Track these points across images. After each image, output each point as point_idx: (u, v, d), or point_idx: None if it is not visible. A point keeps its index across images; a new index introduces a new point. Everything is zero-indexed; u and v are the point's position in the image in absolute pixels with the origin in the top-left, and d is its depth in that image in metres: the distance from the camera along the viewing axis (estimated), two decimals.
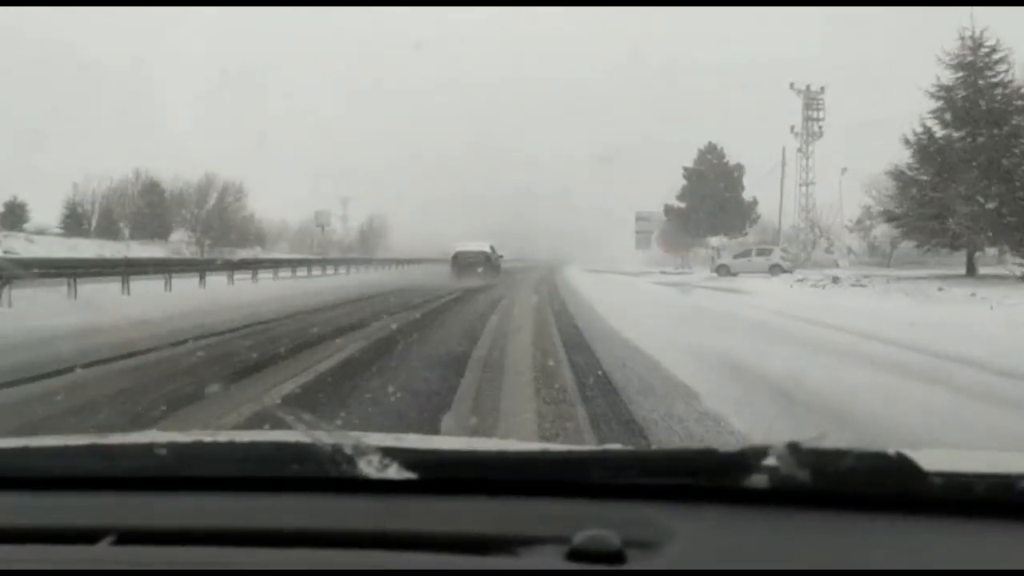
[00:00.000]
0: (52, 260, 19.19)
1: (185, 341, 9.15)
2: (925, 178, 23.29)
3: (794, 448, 1.13)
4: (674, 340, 9.78)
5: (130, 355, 7.89)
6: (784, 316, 13.18)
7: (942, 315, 12.91)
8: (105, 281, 17.82)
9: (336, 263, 35.38)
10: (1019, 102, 22.34)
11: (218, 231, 51.87)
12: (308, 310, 14.24)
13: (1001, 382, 6.54)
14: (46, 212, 48.38)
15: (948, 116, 23.00)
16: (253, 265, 25.49)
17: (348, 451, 1.20)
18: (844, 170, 46.70)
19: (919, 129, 24.25)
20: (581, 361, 7.89)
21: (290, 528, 1.15)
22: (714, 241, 48.09)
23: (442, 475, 1.25)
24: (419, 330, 11.06)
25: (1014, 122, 22.14)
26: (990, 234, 21.80)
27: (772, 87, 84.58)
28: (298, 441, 1.29)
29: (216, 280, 22.43)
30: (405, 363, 7.73)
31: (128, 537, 1.13)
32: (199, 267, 22.44)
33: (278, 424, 1.70)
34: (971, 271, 24.51)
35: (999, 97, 22.54)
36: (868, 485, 1.15)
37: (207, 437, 1.43)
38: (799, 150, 47.64)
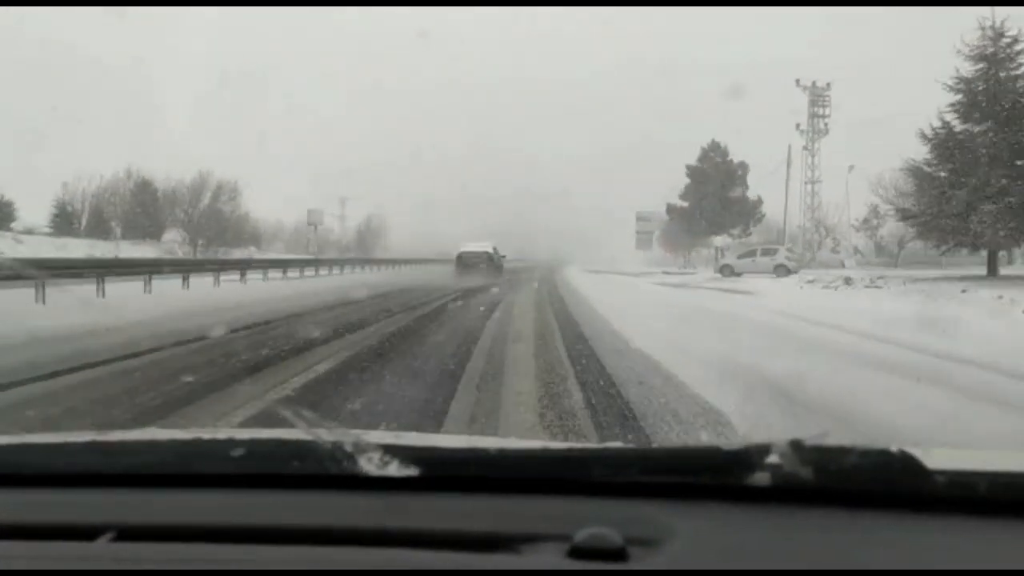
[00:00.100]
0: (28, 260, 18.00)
1: (107, 362, 7.70)
2: (943, 174, 22.13)
3: (797, 446, 1.11)
4: (693, 350, 8.69)
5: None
6: (807, 322, 12.05)
7: (980, 321, 11.77)
8: (83, 283, 16.68)
9: (330, 263, 34.24)
10: None
11: (212, 231, 50.80)
12: (284, 316, 13.01)
13: None
14: (39, 211, 47.50)
15: (969, 109, 21.81)
16: (241, 265, 24.25)
17: (348, 448, 1.19)
18: (851, 168, 45.68)
19: (936, 123, 23.16)
20: (591, 378, 6.82)
21: (290, 525, 1.14)
22: (718, 241, 46.92)
23: (443, 473, 1.23)
24: (406, 340, 9.93)
25: None
26: (1014, 233, 20.62)
27: (773, 86, 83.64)
28: (298, 438, 1.28)
29: (201, 281, 21.31)
30: (379, 382, 6.68)
31: (127, 534, 1.12)
32: (184, 268, 21.17)
33: (279, 421, 1.66)
34: (992, 271, 23.38)
35: (1023, 89, 21.40)
36: (871, 483, 1.14)
37: (207, 434, 1.40)
38: (805, 147, 46.63)
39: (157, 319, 11.84)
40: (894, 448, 1.14)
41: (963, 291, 18.22)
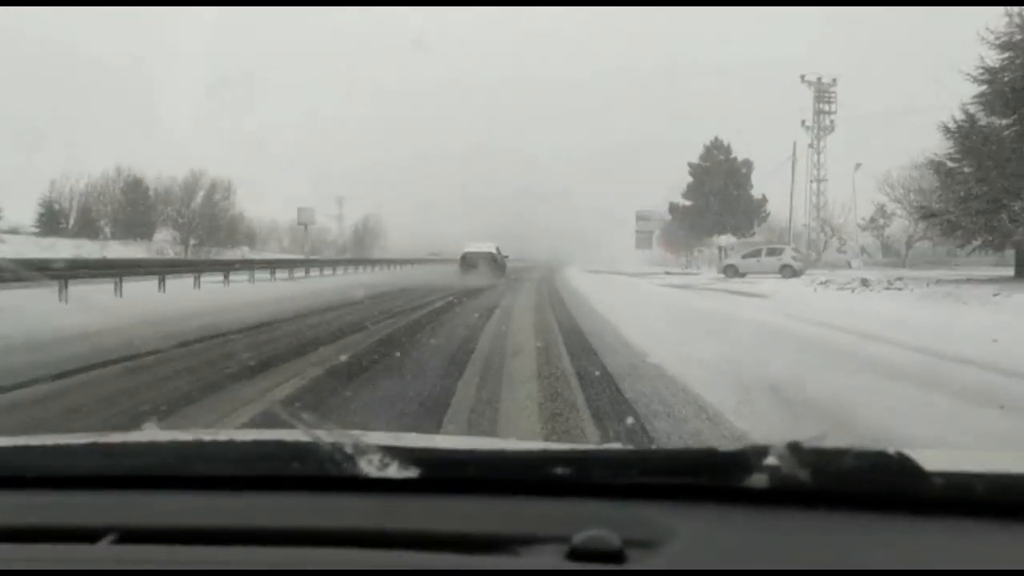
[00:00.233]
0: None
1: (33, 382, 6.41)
2: (968, 170, 20.70)
3: (795, 447, 1.11)
4: (719, 367, 7.27)
5: None
6: (848, 333, 10.58)
7: None
8: (42, 287, 15.22)
9: (322, 264, 32.79)
10: None
11: (205, 230, 49.41)
12: (250, 326, 11.52)
13: None
14: (27, 210, 46.08)
15: (994, 101, 20.35)
16: (224, 267, 22.76)
17: (348, 450, 1.18)
18: (858, 165, 44.28)
19: (959, 116, 21.70)
20: (605, 406, 5.49)
21: (290, 527, 1.14)
22: (722, 240, 45.43)
23: (442, 474, 1.23)
24: (387, 354, 8.49)
25: None
26: None
27: (775, 85, 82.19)
28: (298, 440, 1.28)
29: (182, 284, 19.85)
30: (349, 405, 5.34)
31: (129, 536, 1.12)
32: (160, 269, 19.67)
33: (279, 423, 1.74)
34: (1021, 272, 21.96)
35: None
36: (869, 485, 1.14)
37: (207, 436, 1.40)
38: (810, 145, 45.19)
39: (83, 332, 10.27)
40: (891, 450, 1.13)
41: (995, 295, 16.83)
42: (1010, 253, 24.39)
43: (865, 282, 22.92)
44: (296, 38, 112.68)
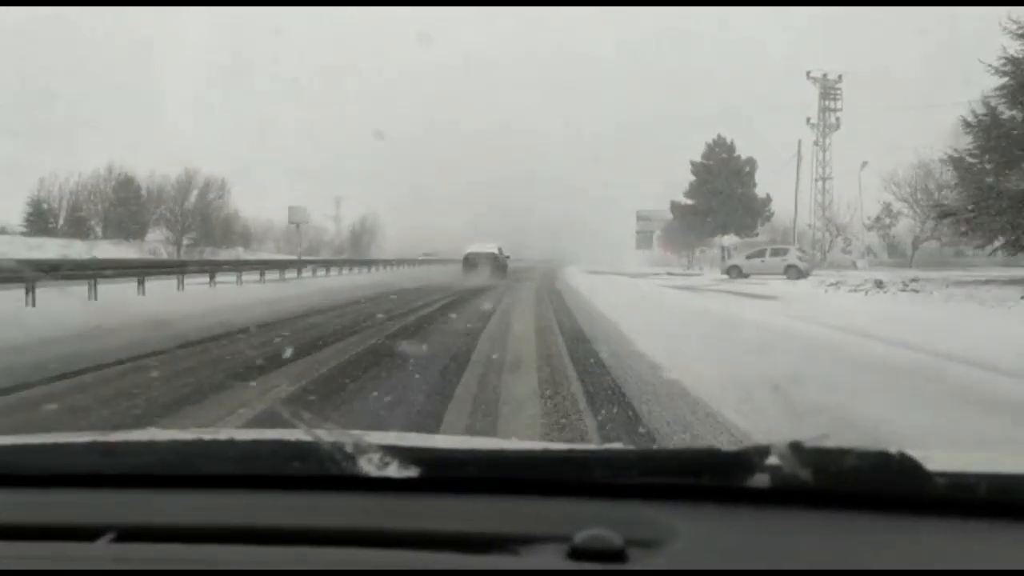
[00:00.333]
0: None
1: None
2: (989, 166, 19.58)
3: (796, 447, 1.11)
4: (748, 384, 6.10)
5: None
6: (884, 343, 9.44)
7: None
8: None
9: (315, 265, 31.63)
10: None
11: (199, 230, 48.31)
12: (220, 334, 10.37)
13: None
14: (16, 210, 44.98)
15: (1018, 93, 19.20)
16: (213, 267, 21.62)
17: (348, 449, 1.18)
18: (864, 164, 43.22)
19: (980, 110, 20.56)
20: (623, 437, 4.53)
21: (290, 526, 1.14)
22: (725, 240, 44.32)
23: (443, 474, 1.22)
24: (366, 370, 7.37)
25: None
26: None
27: (778, 81, 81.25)
28: (299, 439, 1.27)
29: (165, 285, 18.60)
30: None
31: (128, 534, 1.12)
32: (139, 270, 18.51)
33: (279, 422, 1.67)
34: None
35: None
36: (870, 485, 1.13)
37: (207, 435, 1.39)
38: (815, 143, 44.10)
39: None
40: (893, 450, 1.12)
41: (1022, 297, 15.75)
42: (1019, 255, 23.30)
43: (879, 284, 21.83)
44: (295, 38, 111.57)
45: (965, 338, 8.99)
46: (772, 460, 1.12)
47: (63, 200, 46.80)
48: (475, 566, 1.04)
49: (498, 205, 61.70)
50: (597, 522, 1.06)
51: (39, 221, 44.87)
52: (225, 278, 22.16)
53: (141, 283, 17.93)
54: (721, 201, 43.72)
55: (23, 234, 41.54)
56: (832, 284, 23.22)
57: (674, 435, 4.68)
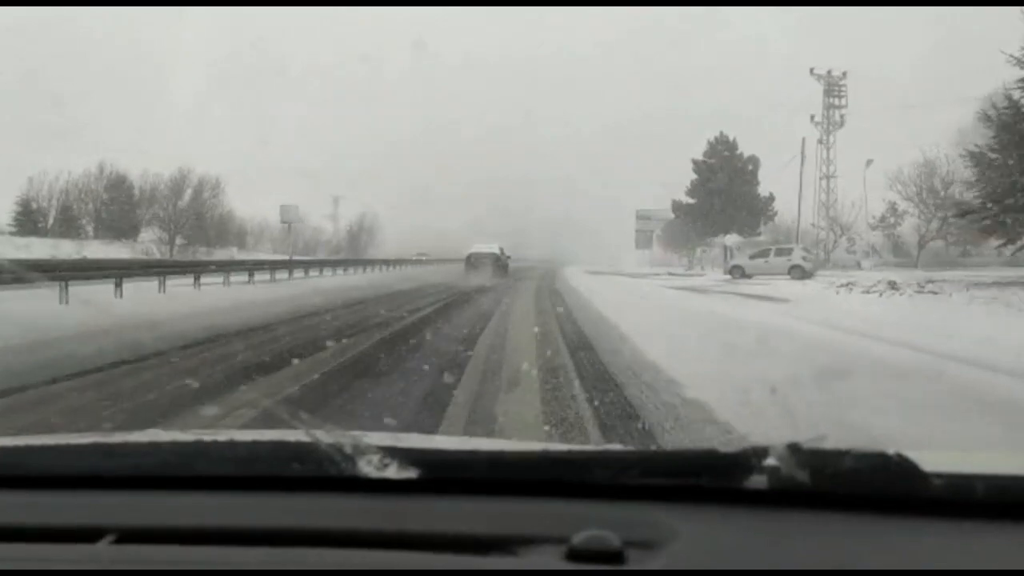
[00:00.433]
0: None
1: None
2: (1012, 161, 18.56)
3: (795, 449, 1.11)
4: (790, 407, 5.06)
5: None
6: (912, 350, 8.46)
7: None
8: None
9: (308, 265, 30.60)
10: None
11: (193, 230, 47.27)
12: (186, 344, 9.32)
13: None
14: (5, 209, 43.90)
15: None
16: (196, 268, 20.56)
17: (348, 450, 1.17)
18: (870, 162, 42.23)
19: (990, 105, 19.60)
20: None
21: (290, 527, 1.13)
22: (728, 240, 43.28)
23: (442, 475, 1.21)
24: (335, 396, 6.35)
25: None
26: None
27: (779, 81, 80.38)
28: (298, 440, 1.27)
29: (145, 288, 17.46)
30: None
31: (128, 536, 1.11)
32: (119, 271, 17.46)
33: (279, 423, 1.68)
34: None
35: None
36: (868, 486, 1.13)
37: (207, 436, 1.37)
38: (819, 141, 43.05)
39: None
40: (891, 451, 1.11)
41: None
42: (1022, 255, 22.25)
43: (893, 285, 20.82)
44: (295, 38, 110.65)
45: (1017, 349, 7.97)
46: (770, 461, 1.11)
47: (52, 200, 45.70)
48: (474, 567, 1.03)
49: (498, 205, 61.56)
50: (595, 523, 1.05)
51: (28, 221, 43.75)
52: (212, 279, 21.19)
53: (119, 285, 16.90)
54: (724, 200, 42.62)
55: (12, 234, 40.47)
56: (843, 285, 22.20)
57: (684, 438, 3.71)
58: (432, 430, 5.45)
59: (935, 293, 18.48)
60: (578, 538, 1.02)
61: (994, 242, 23.25)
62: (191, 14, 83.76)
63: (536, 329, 11.28)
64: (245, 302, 15.93)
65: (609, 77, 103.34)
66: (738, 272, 33.19)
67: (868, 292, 20.03)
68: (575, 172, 77.06)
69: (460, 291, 20.32)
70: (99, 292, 15.97)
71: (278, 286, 22.57)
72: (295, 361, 7.40)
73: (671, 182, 48.51)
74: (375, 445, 1.18)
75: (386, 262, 40.23)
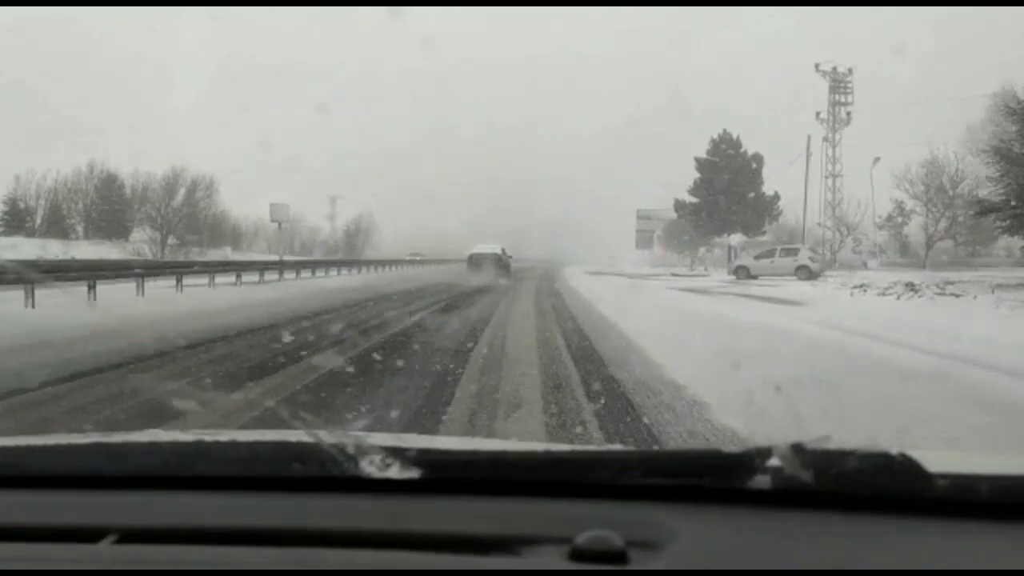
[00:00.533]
0: None
1: None
2: None
3: (798, 449, 1.10)
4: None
5: None
6: (971, 366, 7.39)
7: None
8: None
9: (300, 266, 29.49)
10: None
11: (186, 229, 46.26)
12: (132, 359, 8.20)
13: None
14: None
15: None
16: (180, 269, 19.49)
17: (350, 451, 1.17)
18: (877, 160, 41.17)
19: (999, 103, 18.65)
20: None
21: (292, 527, 1.13)
22: (733, 240, 42.21)
23: (444, 475, 1.21)
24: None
25: None
26: None
27: (780, 79, 79.41)
28: (300, 440, 1.26)
29: (123, 289, 16.35)
30: None
31: (130, 536, 1.11)
32: (91, 273, 16.39)
33: (281, 424, 1.72)
34: None
35: None
36: (872, 486, 1.12)
37: (209, 436, 1.36)
38: (825, 138, 41.97)
39: None
40: (894, 451, 1.11)
41: None
42: None
43: (912, 287, 19.78)
44: (294, 38, 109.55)
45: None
46: (773, 461, 1.10)
47: (39, 199, 44.59)
48: (476, 567, 1.03)
49: (497, 205, 60.99)
50: (598, 523, 1.05)
51: (15, 221, 42.64)
52: (197, 280, 20.16)
53: (92, 288, 15.85)
54: (728, 199, 41.51)
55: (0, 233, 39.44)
56: (857, 287, 21.18)
57: None
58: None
59: (957, 296, 17.47)
60: (581, 538, 1.01)
61: (1005, 242, 22.40)
62: (191, 14, 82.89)
63: (536, 333, 10.20)
64: (215, 309, 14.40)
65: (609, 77, 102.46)
66: (743, 273, 32.29)
67: (884, 294, 19.03)
68: (575, 172, 76.31)
69: (457, 295, 19.19)
70: (73, 294, 14.92)
71: (262, 288, 21.30)
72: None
73: (672, 182, 47.72)
74: (377, 445, 1.18)
75: (380, 263, 39.20)
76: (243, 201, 51.40)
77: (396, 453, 1.16)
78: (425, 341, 9.49)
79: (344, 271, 33.18)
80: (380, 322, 12.45)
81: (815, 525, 1.10)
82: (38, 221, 43.84)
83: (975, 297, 16.75)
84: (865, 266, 40.05)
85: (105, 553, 1.07)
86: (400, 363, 7.51)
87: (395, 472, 1.15)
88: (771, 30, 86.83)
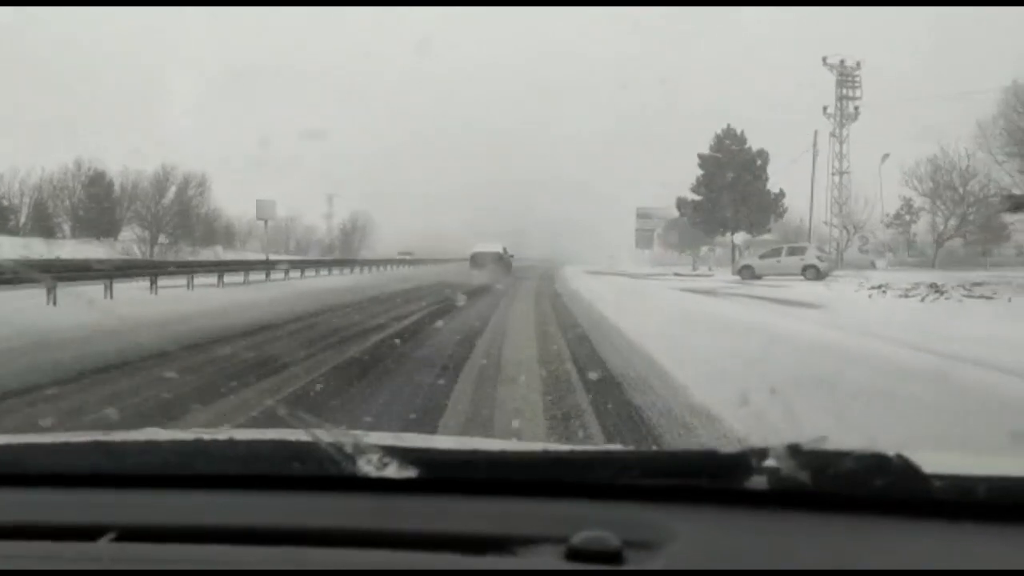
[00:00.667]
0: None
1: None
2: None
3: (794, 450, 1.10)
4: None
5: None
6: None
7: None
8: None
9: (289, 266, 28.11)
10: None
11: (177, 228, 44.89)
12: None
13: None
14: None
15: None
16: (156, 270, 18.12)
17: (348, 450, 1.17)
18: (885, 156, 39.90)
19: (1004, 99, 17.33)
20: None
21: (290, 526, 1.13)
22: (738, 239, 40.86)
23: (441, 474, 1.21)
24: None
25: None
26: None
27: (780, 79, 78.18)
28: (298, 439, 1.27)
29: (93, 291, 15.08)
30: None
31: (128, 534, 1.11)
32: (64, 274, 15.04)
33: (279, 423, 1.69)
34: None
35: None
36: (868, 487, 1.11)
37: (208, 435, 1.37)
38: (832, 134, 40.66)
39: None
40: (891, 452, 1.11)
41: None
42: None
43: (937, 288, 18.48)
44: (289, 35, 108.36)
45: None
46: (770, 462, 1.11)
47: (23, 197, 43.18)
48: (473, 566, 1.03)
49: (496, 204, 60.66)
50: (595, 523, 1.05)
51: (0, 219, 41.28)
52: (176, 282, 18.84)
53: (51, 291, 14.46)
54: (732, 196, 40.10)
55: None
56: (875, 288, 19.96)
57: None
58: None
59: (988, 298, 16.16)
60: (577, 538, 1.01)
61: (1016, 240, 21.31)
62: (187, 14, 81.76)
63: (537, 337, 8.99)
64: (163, 319, 12.18)
65: (609, 76, 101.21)
66: (748, 272, 31.19)
67: (907, 296, 17.81)
68: (574, 171, 75.19)
69: (451, 297, 17.81)
70: (32, 297, 13.61)
71: (245, 291, 20.11)
72: None
73: (672, 181, 46.94)
74: (375, 444, 1.18)
75: (372, 263, 38.09)
76: (240, 200, 50.18)
77: (394, 452, 1.16)
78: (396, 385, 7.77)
79: (336, 271, 31.91)
80: (361, 330, 11.19)
81: (812, 526, 1.09)
82: (23, 219, 42.39)
83: (1010, 299, 15.47)
84: (873, 266, 39.01)
85: (104, 551, 1.07)
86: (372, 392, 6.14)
87: (393, 471, 1.15)
88: (771, 30, 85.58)
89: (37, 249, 34.14)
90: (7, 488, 1.27)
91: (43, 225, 41.65)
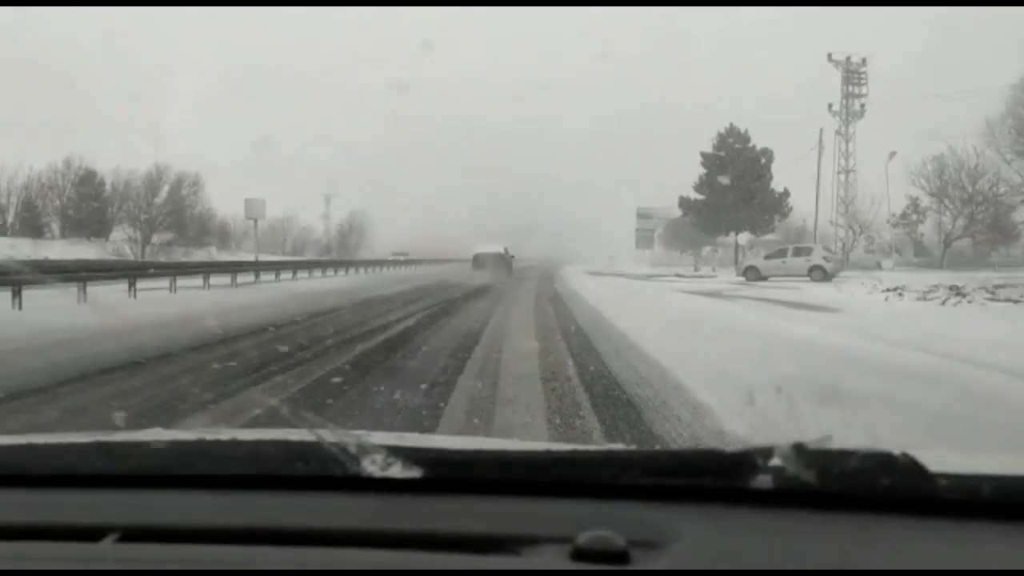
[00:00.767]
0: None
1: None
2: None
3: (799, 449, 1.10)
4: None
5: None
6: None
7: None
8: None
9: (279, 267, 27.21)
10: None
11: (171, 228, 44.01)
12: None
13: None
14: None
15: None
16: (134, 272, 17.17)
17: (352, 450, 1.17)
18: (893, 154, 39.04)
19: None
20: None
21: (293, 526, 1.13)
22: (742, 239, 39.95)
23: (446, 474, 1.21)
24: None
25: None
26: None
27: (781, 77, 77.42)
28: (302, 440, 1.27)
29: (66, 294, 14.26)
30: None
31: (131, 535, 1.11)
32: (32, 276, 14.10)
33: (282, 422, 1.66)
34: None
35: None
36: (874, 486, 1.11)
37: (210, 435, 1.36)
38: (838, 132, 39.74)
39: None
40: (897, 451, 1.10)
41: None
42: None
43: (957, 290, 17.52)
44: (289, 35, 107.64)
45: None
46: (775, 461, 1.10)
47: (11, 196, 42.29)
48: (478, 566, 1.03)
49: (496, 204, 60.45)
50: (600, 523, 1.05)
51: None
52: (158, 283, 17.93)
53: (17, 295, 13.50)
54: (735, 194, 39.14)
55: None
56: (891, 290, 19.04)
57: None
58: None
59: (1016, 301, 15.20)
60: (582, 538, 1.01)
61: None
62: (191, 14, 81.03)
63: (538, 340, 8.54)
64: (133, 325, 10.85)
65: (609, 76, 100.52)
66: (753, 274, 30.50)
67: (925, 299, 16.88)
68: (574, 171, 74.65)
69: (447, 300, 16.83)
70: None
71: (232, 294, 19.28)
72: None
73: (672, 181, 46.53)
74: (379, 444, 1.18)
75: (367, 263, 37.40)
76: (237, 200, 49.37)
77: (398, 452, 1.16)
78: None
79: (331, 272, 30.98)
80: (351, 336, 10.44)
81: (817, 525, 1.09)
82: (10, 218, 41.44)
83: None
84: (879, 266, 38.28)
85: (107, 552, 1.07)
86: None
87: (397, 471, 1.14)
88: (771, 30, 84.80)
89: (24, 250, 33.23)
90: (10, 489, 1.27)
91: (31, 225, 40.83)
